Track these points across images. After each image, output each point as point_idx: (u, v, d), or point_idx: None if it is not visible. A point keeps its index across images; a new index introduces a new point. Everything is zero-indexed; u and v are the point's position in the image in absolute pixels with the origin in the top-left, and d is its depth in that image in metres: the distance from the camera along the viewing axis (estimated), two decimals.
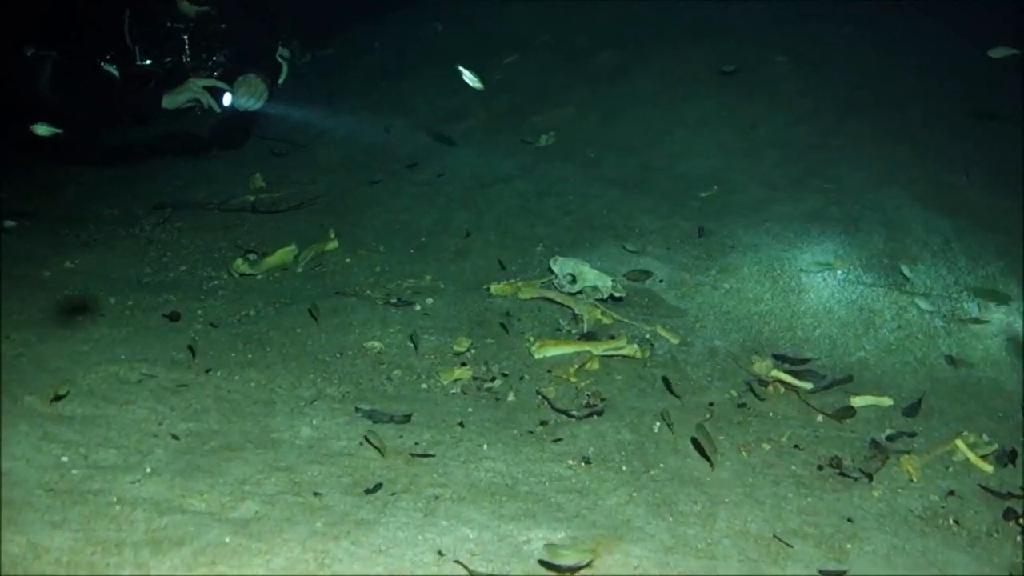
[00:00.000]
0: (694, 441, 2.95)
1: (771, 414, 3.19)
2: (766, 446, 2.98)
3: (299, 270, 4.34)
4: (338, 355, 3.43)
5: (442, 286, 4.09)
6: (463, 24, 7.93)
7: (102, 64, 5.09)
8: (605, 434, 2.97)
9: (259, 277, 4.27)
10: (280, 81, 5.51)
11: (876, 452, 3.02)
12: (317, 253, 4.46)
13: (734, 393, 3.29)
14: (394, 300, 3.91)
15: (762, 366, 3.38)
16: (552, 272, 3.97)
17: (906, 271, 3.95)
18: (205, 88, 5.07)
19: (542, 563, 2.27)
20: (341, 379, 3.26)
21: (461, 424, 2.98)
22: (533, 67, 6.64)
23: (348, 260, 4.41)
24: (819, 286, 3.88)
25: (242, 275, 4.28)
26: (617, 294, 3.80)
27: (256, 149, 6.21)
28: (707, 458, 2.85)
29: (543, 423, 3.03)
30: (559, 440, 2.91)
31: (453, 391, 3.25)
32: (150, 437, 2.71)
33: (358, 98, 6.78)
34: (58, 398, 2.84)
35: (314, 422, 2.91)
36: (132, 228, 4.91)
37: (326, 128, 6.30)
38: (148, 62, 5.11)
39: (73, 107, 5.14)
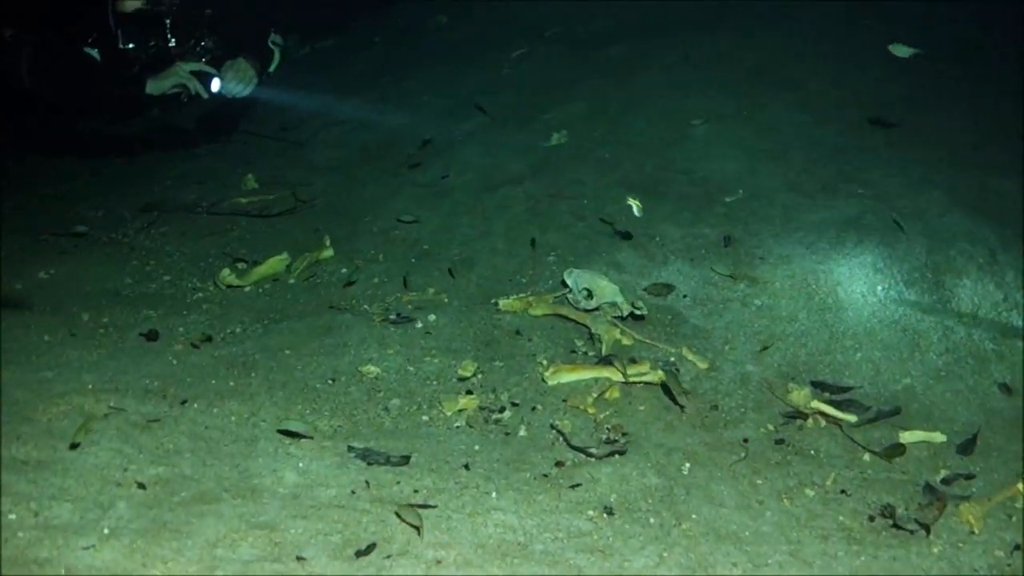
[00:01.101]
0: (664, 387, 2.94)
1: (812, 452, 2.86)
2: (810, 492, 2.65)
3: (291, 281, 4.01)
4: (330, 382, 3.10)
5: (446, 300, 3.76)
6: (468, 16, 7.57)
7: (84, 48, 4.75)
8: (629, 477, 2.64)
9: (247, 289, 3.95)
10: (271, 69, 5.16)
11: (932, 498, 2.69)
12: (311, 262, 4.13)
13: (770, 427, 2.96)
14: (393, 316, 3.59)
15: (800, 396, 3.05)
16: (566, 286, 3.64)
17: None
18: (192, 73, 4.72)
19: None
20: (333, 410, 2.93)
21: (466, 466, 2.64)
22: (542, 61, 6.29)
23: (344, 270, 4.08)
24: (858, 304, 3.55)
25: (229, 287, 3.95)
26: (638, 311, 3.46)
27: (250, 146, 5.87)
28: (678, 404, 2.88)
29: (558, 464, 2.70)
30: (577, 485, 2.59)
31: (457, 424, 2.92)
32: (112, 486, 2.38)
33: (358, 94, 6.43)
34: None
35: (300, 464, 2.59)
36: (115, 233, 4.59)
37: (324, 125, 5.95)
38: (132, 46, 4.77)
39: (55, 93, 4.81)
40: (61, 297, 3.73)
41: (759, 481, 2.67)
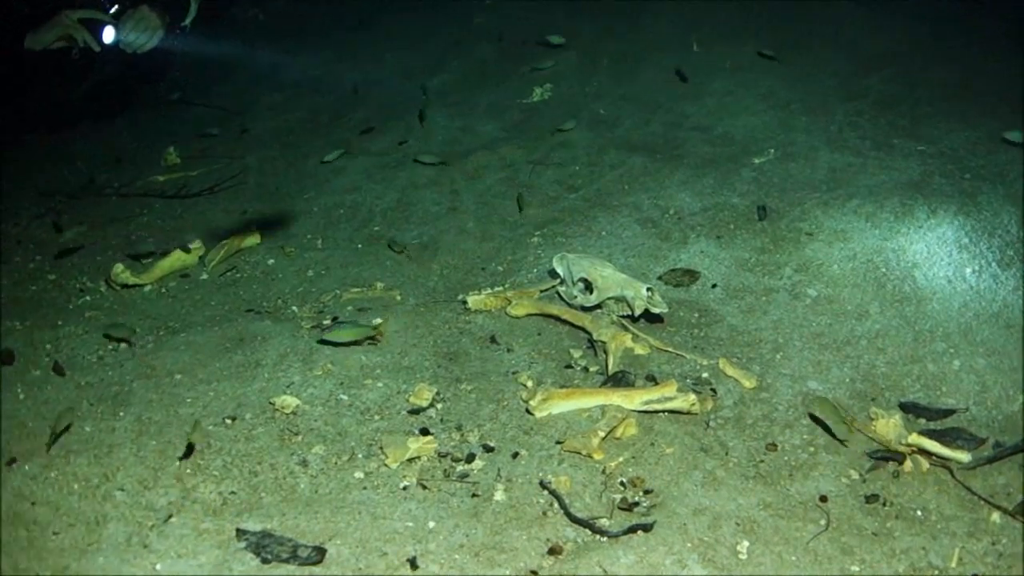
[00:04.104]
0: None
1: (919, 512, 1.98)
2: None
3: (203, 277, 3.14)
4: (229, 421, 2.21)
5: (398, 298, 2.88)
6: None
7: None
8: (660, 569, 1.75)
9: (148, 288, 3.08)
10: (186, 22, 4.23)
11: None
12: (230, 252, 3.25)
13: (854, 475, 2.07)
14: (327, 321, 2.71)
15: (890, 425, 2.17)
16: (557, 276, 2.75)
17: None
18: (80, 21, 3.78)
19: None
20: (225, 467, 2.04)
21: (412, 562, 1.75)
22: (523, 3, 5.36)
23: (271, 261, 3.21)
24: (945, 292, 2.66)
25: (124, 286, 3.08)
26: (655, 309, 2.56)
27: (180, 115, 4.95)
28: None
29: (554, 551, 1.82)
30: None
31: (405, 483, 2.03)
32: None
33: (311, 52, 5.52)
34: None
35: (159, 567, 1.69)
36: (5, 224, 3.73)
37: (269, 89, 5.06)
38: None
39: None
40: None
41: (854, 567, 1.79)
